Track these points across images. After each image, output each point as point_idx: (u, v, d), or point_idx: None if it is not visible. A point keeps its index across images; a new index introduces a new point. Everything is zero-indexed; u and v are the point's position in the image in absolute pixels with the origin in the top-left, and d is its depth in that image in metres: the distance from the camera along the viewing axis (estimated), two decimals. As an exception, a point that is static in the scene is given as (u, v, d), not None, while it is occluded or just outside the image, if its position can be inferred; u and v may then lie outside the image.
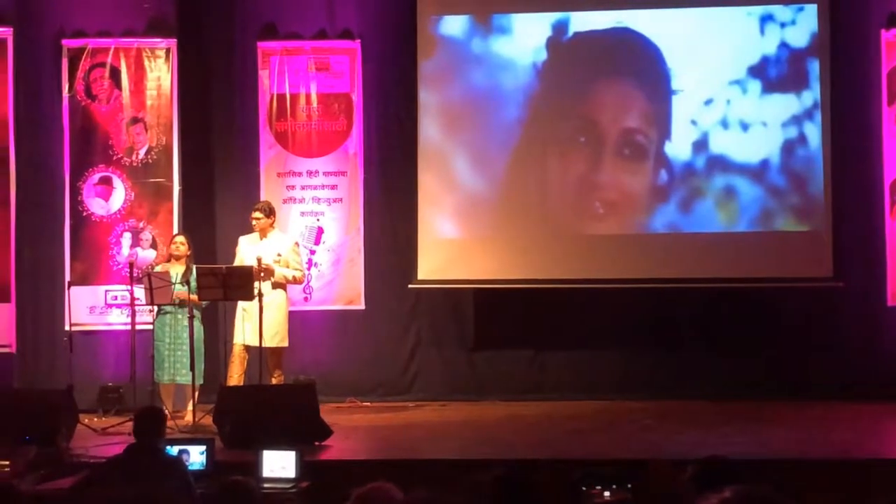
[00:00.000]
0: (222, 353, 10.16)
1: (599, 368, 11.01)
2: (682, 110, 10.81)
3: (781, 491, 4.48)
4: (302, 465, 7.52)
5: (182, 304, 9.79)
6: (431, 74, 11.01)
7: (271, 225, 10.13)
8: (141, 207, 10.97)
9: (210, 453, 7.55)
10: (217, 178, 11.23)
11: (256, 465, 7.48)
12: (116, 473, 6.37)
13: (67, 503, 6.70)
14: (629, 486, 5.36)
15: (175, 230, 10.69)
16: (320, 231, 11.13)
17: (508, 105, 10.99)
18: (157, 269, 9.99)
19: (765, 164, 10.77)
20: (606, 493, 5.29)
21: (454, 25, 11.05)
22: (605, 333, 10.97)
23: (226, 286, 9.47)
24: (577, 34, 10.93)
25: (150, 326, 9.94)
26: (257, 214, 10.06)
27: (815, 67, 10.72)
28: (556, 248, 10.93)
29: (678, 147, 10.84)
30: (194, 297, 9.68)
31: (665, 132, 10.86)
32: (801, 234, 10.78)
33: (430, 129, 11.00)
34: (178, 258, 9.97)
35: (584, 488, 5.30)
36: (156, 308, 9.85)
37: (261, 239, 10.06)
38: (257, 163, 11.14)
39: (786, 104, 10.75)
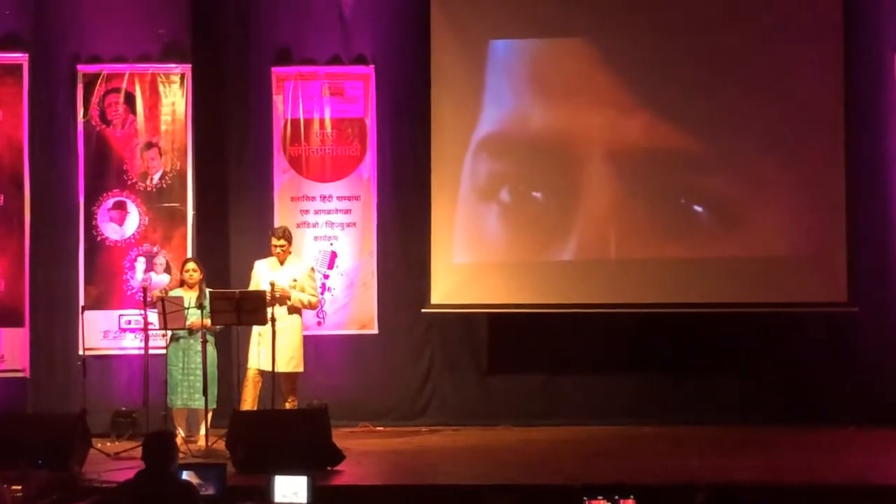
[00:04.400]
0: (235, 377, 10.16)
1: (613, 393, 10.98)
2: (699, 136, 10.80)
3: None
4: (314, 490, 7.48)
5: (192, 330, 9.79)
6: (445, 99, 11.01)
7: (289, 250, 10.16)
8: (155, 232, 10.99)
9: (222, 478, 7.53)
10: (231, 202, 11.25)
11: (268, 490, 7.44)
12: (128, 499, 6.35)
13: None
14: (631, 496, 5.34)
15: (189, 254, 10.70)
16: (334, 255, 11.14)
17: (523, 130, 10.98)
18: (172, 293, 9.99)
19: (780, 188, 10.75)
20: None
21: (468, 51, 11.05)
22: (619, 358, 10.95)
23: (239, 310, 9.49)
24: (593, 60, 10.92)
25: (164, 351, 9.94)
26: (281, 242, 10.05)
27: (828, 90, 10.69)
28: (571, 272, 10.92)
29: (693, 172, 10.82)
30: (207, 321, 9.70)
31: (681, 158, 10.83)
32: (817, 260, 10.73)
33: (444, 154, 11.00)
34: (191, 285, 9.97)
35: (585, 498, 5.27)
36: (169, 332, 9.86)
37: (280, 264, 10.07)
38: (271, 187, 11.16)
39: (800, 129, 10.74)
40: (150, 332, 9.84)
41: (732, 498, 4.81)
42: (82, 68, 11.04)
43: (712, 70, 10.81)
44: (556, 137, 10.93)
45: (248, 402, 9.92)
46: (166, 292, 10.06)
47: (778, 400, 10.82)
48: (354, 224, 11.18)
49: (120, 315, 10.90)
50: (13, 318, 10.94)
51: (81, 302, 10.70)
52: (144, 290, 9.96)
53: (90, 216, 10.98)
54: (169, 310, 9.55)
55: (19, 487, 7.55)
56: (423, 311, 11.01)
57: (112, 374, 10.88)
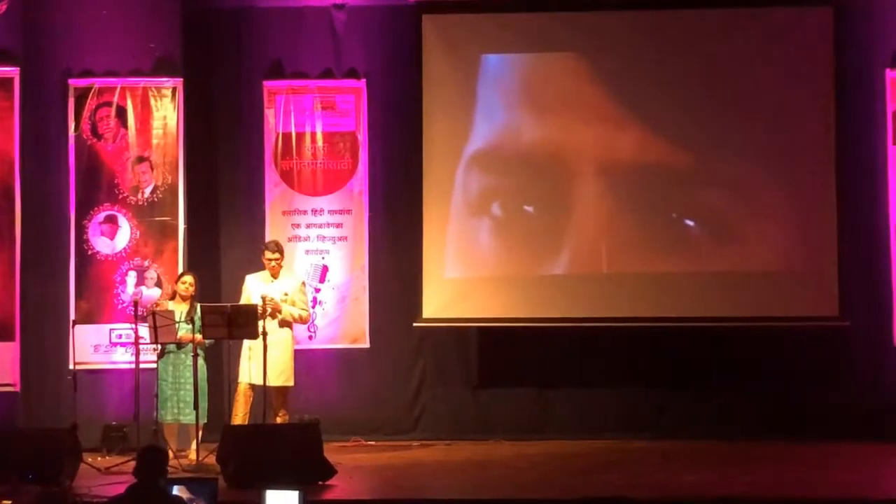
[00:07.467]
0: (227, 391, 10.14)
1: (605, 407, 10.99)
2: (691, 150, 10.81)
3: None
4: (305, 504, 7.47)
5: (182, 344, 9.77)
6: (437, 113, 11.02)
7: (282, 264, 10.15)
8: (146, 246, 10.97)
9: (213, 493, 7.50)
10: (222, 216, 11.25)
11: (260, 504, 7.43)
12: (119, 513, 6.33)
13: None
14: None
15: (180, 269, 10.69)
16: (325, 269, 11.14)
17: (514, 145, 10.99)
18: (167, 305, 9.98)
19: (771, 203, 10.77)
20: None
21: (459, 65, 11.06)
22: (610, 372, 10.96)
23: (231, 324, 9.48)
24: (585, 75, 10.93)
25: (155, 365, 9.92)
26: (275, 256, 10.03)
27: (819, 106, 10.72)
28: (563, 287, 10.92)
29: (685, 186, 10.84)
30: (198, 336, 9.70)
31: (672, 173, 10.84)
32: (808, 274, 10.75)
33: (435, 168, 11.01)
34: (185, 298, 9.97)
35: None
36: (160, 347, 9.84)
37: (273, 278, 10.06)
38: (262, 201, 11.16)
39: (791, 144, 10.76)
40: (140, 346, 9.82)
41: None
42: (74, 82, 11.03)
43: (704, 85, 10.83)
44: (547, 152, 10.94)
45: (240, 416, 9.90)
46: (157, 306, 10.05)
47: (770, 414, 10.82)
48: (346, 238, 11.18)
49: (111, 329, 10.88)
50: (4, 332, 10.92)
51: (72, 316, 10.69)
52: (135, 304, 9.94)
53: (81, 230, 10.97)
54: (160, 324, 9.54)
55: (10, 502, 7.53)
56: (414, 325, 11.00)
57: (103, 388, 10.85)
